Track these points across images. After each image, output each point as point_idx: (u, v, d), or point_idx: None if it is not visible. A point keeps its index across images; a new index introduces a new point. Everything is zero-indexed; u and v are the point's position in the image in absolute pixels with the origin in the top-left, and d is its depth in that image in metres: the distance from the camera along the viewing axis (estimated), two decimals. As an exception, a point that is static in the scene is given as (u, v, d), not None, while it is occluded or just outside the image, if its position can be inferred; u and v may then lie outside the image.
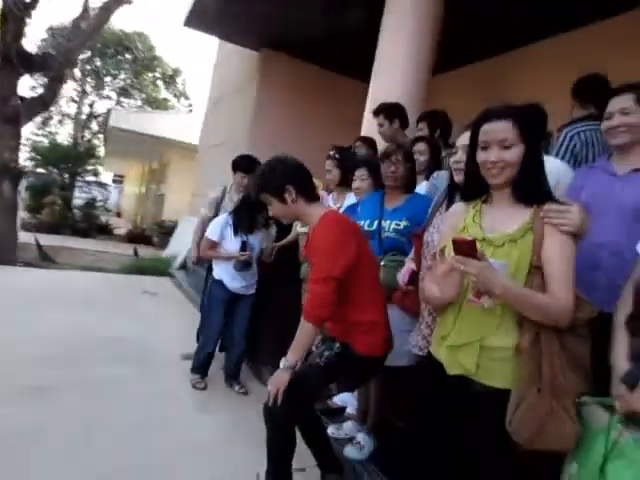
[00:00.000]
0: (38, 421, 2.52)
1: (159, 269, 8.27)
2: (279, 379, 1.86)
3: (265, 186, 1.94)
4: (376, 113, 3.67)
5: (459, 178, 1.82)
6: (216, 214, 3.75)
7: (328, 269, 1.79)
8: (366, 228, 2.26)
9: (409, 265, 1.94)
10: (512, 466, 1.42)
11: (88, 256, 9.51)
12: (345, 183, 3.08)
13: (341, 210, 2.85)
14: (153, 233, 13.51)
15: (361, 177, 2.68)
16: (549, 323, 1.34)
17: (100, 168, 20.75)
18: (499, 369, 1.42)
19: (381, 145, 3.82)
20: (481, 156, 1.47)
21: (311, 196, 1.95)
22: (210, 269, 3.64)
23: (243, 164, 3.79)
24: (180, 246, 9.37)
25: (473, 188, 1.58)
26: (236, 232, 3.30)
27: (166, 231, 12.73)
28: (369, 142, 3.96)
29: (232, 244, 3.28)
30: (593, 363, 1.37)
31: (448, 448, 1.54)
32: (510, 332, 1.41)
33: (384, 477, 2.18)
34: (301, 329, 1.85)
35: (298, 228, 3.29)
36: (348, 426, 2.52)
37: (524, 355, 1.38)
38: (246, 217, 3.29)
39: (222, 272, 3.25)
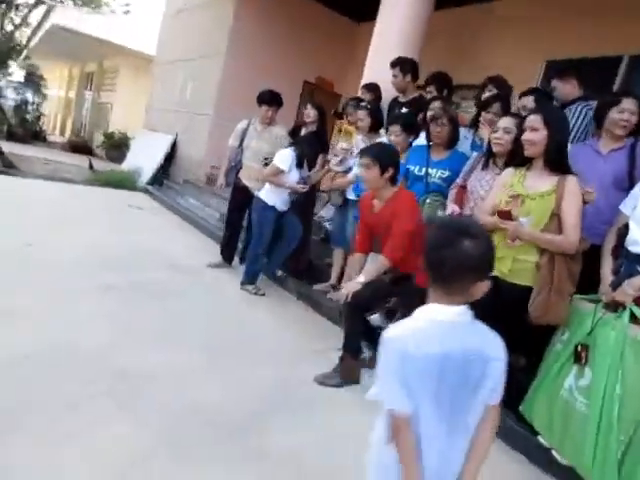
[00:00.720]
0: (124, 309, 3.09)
1: (125, 183, 8.33)
2: (352, 286, 2.61)
3: (381, 157, 2.58)
4: (393, 65, 4.25)
5: (497, 149, 2.57)
6: (240, 144, 4.22)
7: (407, 227, 2.53)
8: (416, 173, 2.98)
9: (453, 207, 2.70)
10: (529, 332, 2.32)
11: (45, 165, 9.25)
12: (374, 129, 3.70)
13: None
14: (101, 145, 13.03)
15: (395, 133, 3.31)
16: (560, 252, 2.19)
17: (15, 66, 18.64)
18: (524, 274, 2.27)
19: (386, 92, 4.46)
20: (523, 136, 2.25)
21: (394, 181, 2.67)
22: (237, 190, 4.20)
23: (266, 97, 4.22)
24: (142, 161, 9.39)
25: (518, 158, 2.35)
26: (299, 165, 3.79)
27: (117, 144, 12.38)
28: (373, 88, 4.55)
29: (293, 176, 3.79)
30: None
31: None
32: (531, 253, 2.25)
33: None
34: (378, 262, 2.60)
35: (333, 166, 3.85)
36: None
37: (542, 268, 2.24)
38: (312, 154, 3.82)
39: (276, 198, 3.78)
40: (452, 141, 2.98)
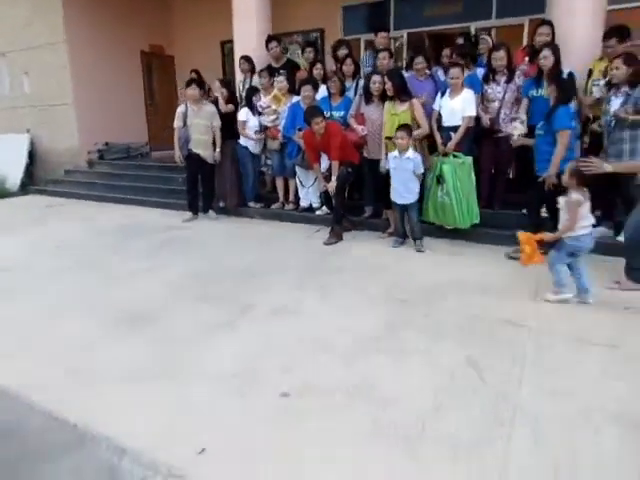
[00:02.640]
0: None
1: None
2: (332, 184, 4.72)
3: (320, 112, 4.60)
4: (270, 40, 6.16)
5: (375, 92, 4.83)
6: (184, 124, 5.71)
7: (339, 139, 4.66)
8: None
9: (358, 127, 4.91)
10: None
11: None
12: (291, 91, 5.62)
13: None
14: None
15: (308, 91, 5.22)
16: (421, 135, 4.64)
17: None
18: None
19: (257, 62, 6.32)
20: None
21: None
22: (190, 159, 5.76)
23: (194, 82, 5.76)
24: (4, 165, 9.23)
25: (387, 96, 4.66)
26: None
27: None
28: (249, 59, 6.35)
29: (253, 122, 5.71)
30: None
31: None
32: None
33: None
34: (334, 165, 4.71)
35: (267, 122, 5.66)
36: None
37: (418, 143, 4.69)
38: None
39: (247, 143, 5.65)
40: (343, 92, 5.14)
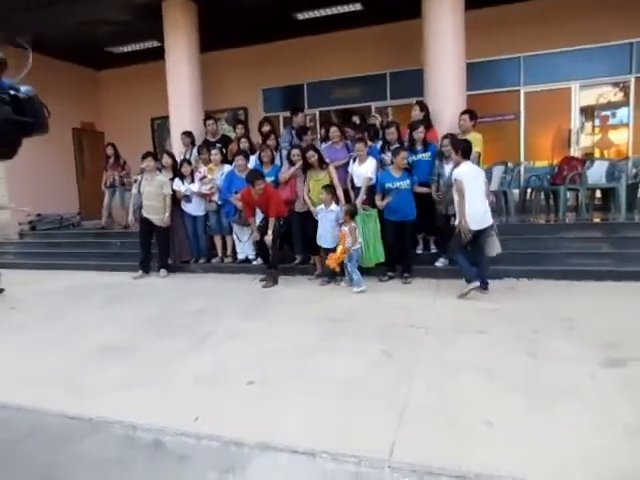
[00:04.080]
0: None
1: None
2: (269, 237, 5.63)
3: (260, 175, 5.62)
4: (208, 118, 7.21)
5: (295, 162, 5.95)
6: (139, 191, 6.45)
7: (277, 199, 5.66)
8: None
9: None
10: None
11: None
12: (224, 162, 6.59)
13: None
14: None
15: (241, 160, 6.23)
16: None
17: None
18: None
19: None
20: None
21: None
22: (143, 222, 6.46)
23: (150, 154, 6.59)
24: None
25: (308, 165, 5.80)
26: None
27: None
28: (189, 134, 7.35)
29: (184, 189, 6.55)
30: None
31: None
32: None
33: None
34: (271, 221, 5.64)
35: (203, 190, 6.52)
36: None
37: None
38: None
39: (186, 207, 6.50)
40: (272, 160, 6.22)
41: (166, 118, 9.31)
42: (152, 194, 6.42)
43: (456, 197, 4.73)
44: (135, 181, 6.60)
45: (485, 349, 3.37)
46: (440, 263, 5.71)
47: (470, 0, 6.62)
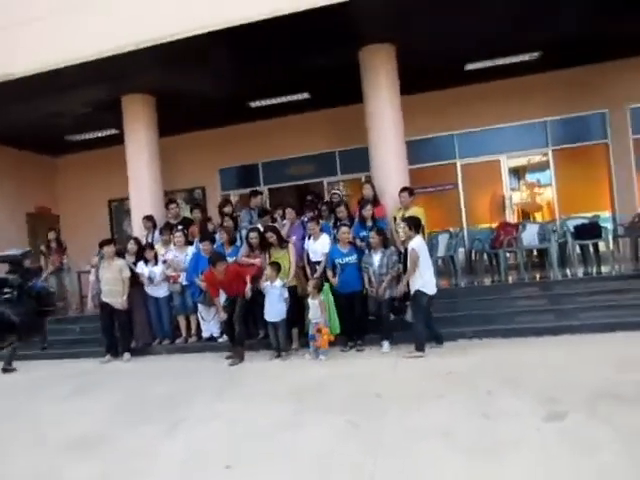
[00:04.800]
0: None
1: None
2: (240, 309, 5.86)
3: (220, 258, 5.95)
4: (170, 202, 7.59)
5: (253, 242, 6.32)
6: (97, 277, 6.53)
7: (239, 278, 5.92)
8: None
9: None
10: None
11: None
12: (186, 243, 6.82)
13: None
14: None
15: (207, 245, 6.49)
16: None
17: None
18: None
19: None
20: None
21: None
22: (103, 307, 6.50)
23: (107, 241, 6.78)
24: None
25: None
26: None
27: None
28: (151, 218, 7.61)
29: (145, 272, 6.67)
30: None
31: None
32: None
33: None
34: (239, 299, 5.88)
35: (169, 272, 6.69)
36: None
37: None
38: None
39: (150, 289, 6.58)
40: (232, 242, 6.53)
41: (124, 200, 9.60)
42: (111, 279, 6.53)
43: (411, 267, 5.29)
44: (92, 267, 6.69)
45: (444, 413, 3.64)
46: (386, 348, 5.62)
47: (406, 87, 7.45)
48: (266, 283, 5.85)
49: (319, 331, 5.55)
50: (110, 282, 6.52)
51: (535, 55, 8.08)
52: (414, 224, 5.50)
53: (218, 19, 6.03)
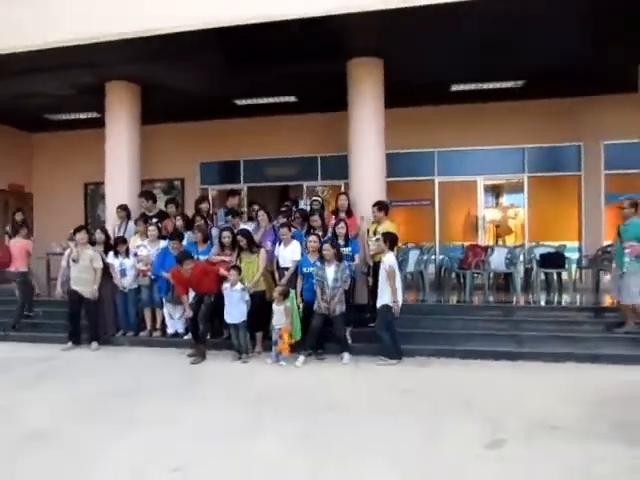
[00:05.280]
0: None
1: None
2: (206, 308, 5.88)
3: (189, 256, 5.95)
4: (141, 195, 7.53)
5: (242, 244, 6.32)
6: (68, 263, 6.47)
7: (202, 276, 5.93)
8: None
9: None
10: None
11: None
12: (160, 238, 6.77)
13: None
14: None
15: (176, 244, 6.47)
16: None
17: None
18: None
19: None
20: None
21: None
22: (71, 294, 6.44)
23: (80, 228, 6.71)
24: None
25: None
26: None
27: None
28: (125, 208, 7.53)
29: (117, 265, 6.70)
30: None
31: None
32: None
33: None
34: (206, 296, 5.89)
35: (140, 266, 6.64)
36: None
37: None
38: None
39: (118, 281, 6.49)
40: (206, 239, 6.52)
41: (99, 184, 9.46)
42: (81, 267, 6.46)
43: (387, 281, 5.50)
44: (64, 249, 6.61)
45: (392, 431, 3.75)
46: (346, 360, 5.68)
47: (391, 100, 7.53)
48: (226, 285, 5.88)
49: (281, 337, 5.62)
50: (80, 270, 6.45)
51: (519, 83, 8.30)
52: (390, 239, 5.63)
53: (208, 18, 5.99)
